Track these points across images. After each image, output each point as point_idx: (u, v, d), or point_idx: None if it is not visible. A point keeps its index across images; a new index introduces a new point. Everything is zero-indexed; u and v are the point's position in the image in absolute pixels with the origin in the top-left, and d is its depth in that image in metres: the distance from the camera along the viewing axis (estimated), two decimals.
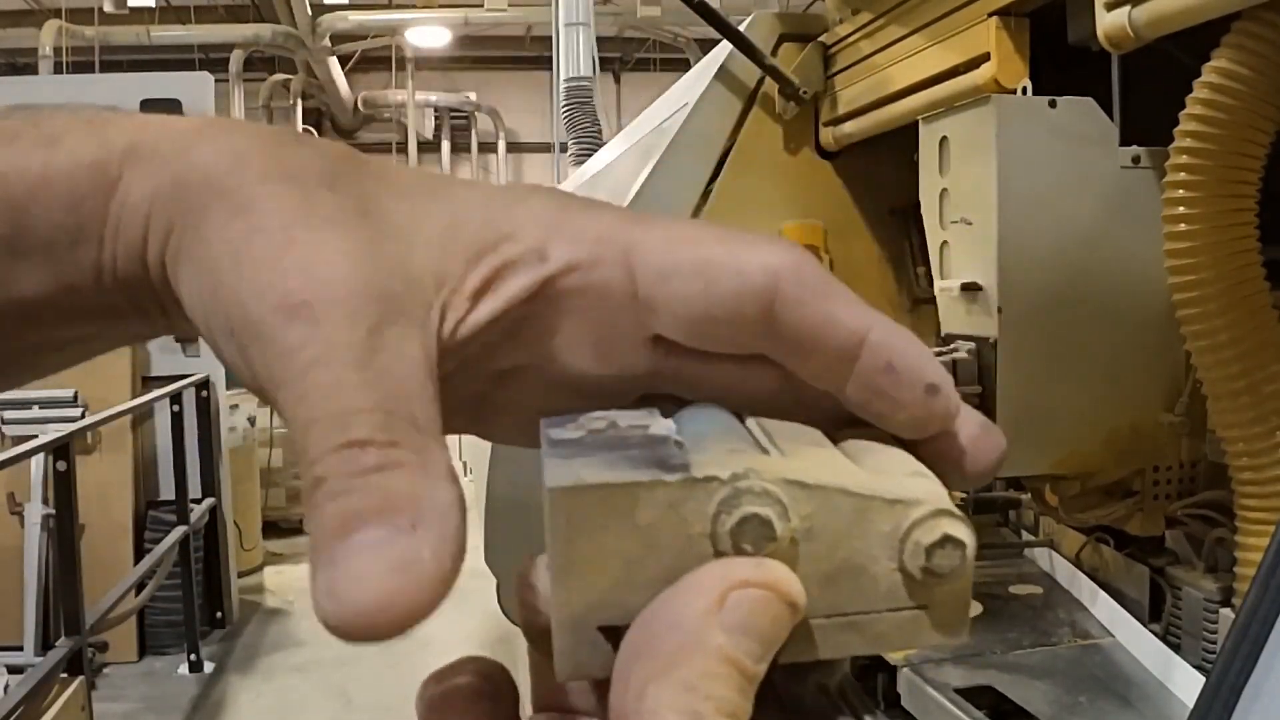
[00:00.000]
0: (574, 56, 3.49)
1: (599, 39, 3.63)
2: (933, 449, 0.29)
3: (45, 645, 3.92)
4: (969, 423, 0.30)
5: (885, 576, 0.25)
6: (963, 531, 0.25)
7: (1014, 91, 1.42)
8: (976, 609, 1.59)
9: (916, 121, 1.55)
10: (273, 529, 6.24)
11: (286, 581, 5.74)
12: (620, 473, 0.24)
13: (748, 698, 0.24)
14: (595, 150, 4.10)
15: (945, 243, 1.47)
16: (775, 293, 0.28)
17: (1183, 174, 1.18)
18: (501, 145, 13.77)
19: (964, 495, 1.89)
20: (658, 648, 0.24)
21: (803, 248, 0.29)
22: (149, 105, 4.39)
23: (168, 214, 0.27)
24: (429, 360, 0.27)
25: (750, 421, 0.29)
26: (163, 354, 4.80)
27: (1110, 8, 1.20)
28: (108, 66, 9.40)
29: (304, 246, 0.26)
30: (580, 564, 0.25)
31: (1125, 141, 1.39)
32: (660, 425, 0.27)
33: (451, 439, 0.29)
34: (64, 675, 3.12)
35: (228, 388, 5.11)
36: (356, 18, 11.10)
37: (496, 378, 0.31)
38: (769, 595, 0.24)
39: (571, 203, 0.29)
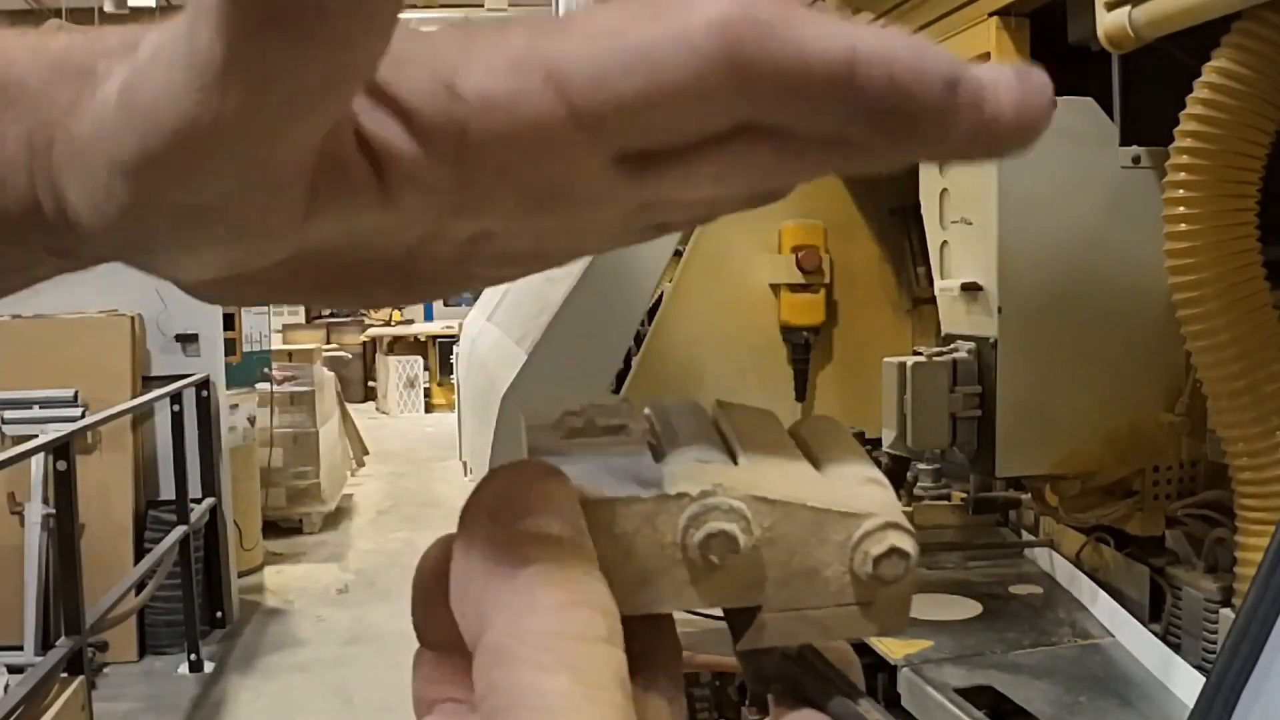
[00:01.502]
0: None
1: None
2: (978, 133, 0.25)
3: (45, 645, 3.92)
4: (1004, 82, 0.25)
5: (836, 578, 0.28)
6: (908, 543, 0.28)
7: None
8: (975, 609, 1.59)
9: None
10: (273, 529, 6.24)
11: (286, 581, 5.74)
12: (601, 488, 0.27)
13: (568, 560, 0.24)
14: None
15: (945, 243, 1.47)
16: (734, 46, 0.23)
17: (1183, 174, 1.18)
18: None
19: (964, 495, 1.89)
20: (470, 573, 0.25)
21: None
22: None
23: (46, 162, 0.25)
24: None
25: (721, 417, 0.31)
26: (163, 354, 4.80)
27: (1110, 8, 1.21)
28: None
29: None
30: None
31: (1125, 141, 1.40)
32: (637, 426, 0.29)
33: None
34: (64, 675, 3.12)
35: (228, 387, 5.11)
36: None
37: (467, 243, 0.28)
38: (521, 474, 0.25)
39: (476, 29, 0.25)
